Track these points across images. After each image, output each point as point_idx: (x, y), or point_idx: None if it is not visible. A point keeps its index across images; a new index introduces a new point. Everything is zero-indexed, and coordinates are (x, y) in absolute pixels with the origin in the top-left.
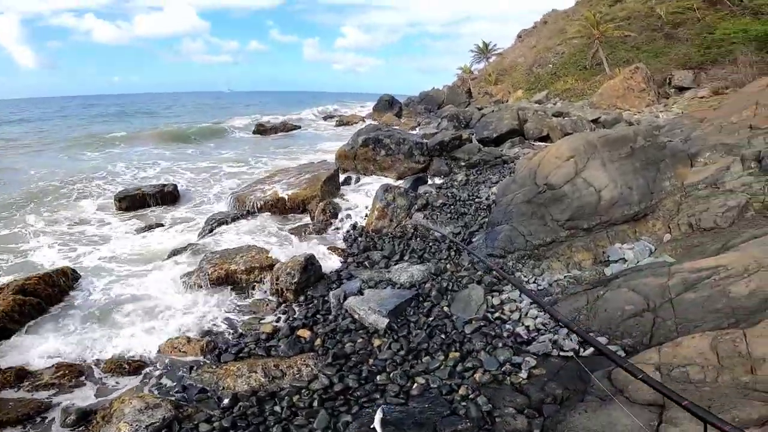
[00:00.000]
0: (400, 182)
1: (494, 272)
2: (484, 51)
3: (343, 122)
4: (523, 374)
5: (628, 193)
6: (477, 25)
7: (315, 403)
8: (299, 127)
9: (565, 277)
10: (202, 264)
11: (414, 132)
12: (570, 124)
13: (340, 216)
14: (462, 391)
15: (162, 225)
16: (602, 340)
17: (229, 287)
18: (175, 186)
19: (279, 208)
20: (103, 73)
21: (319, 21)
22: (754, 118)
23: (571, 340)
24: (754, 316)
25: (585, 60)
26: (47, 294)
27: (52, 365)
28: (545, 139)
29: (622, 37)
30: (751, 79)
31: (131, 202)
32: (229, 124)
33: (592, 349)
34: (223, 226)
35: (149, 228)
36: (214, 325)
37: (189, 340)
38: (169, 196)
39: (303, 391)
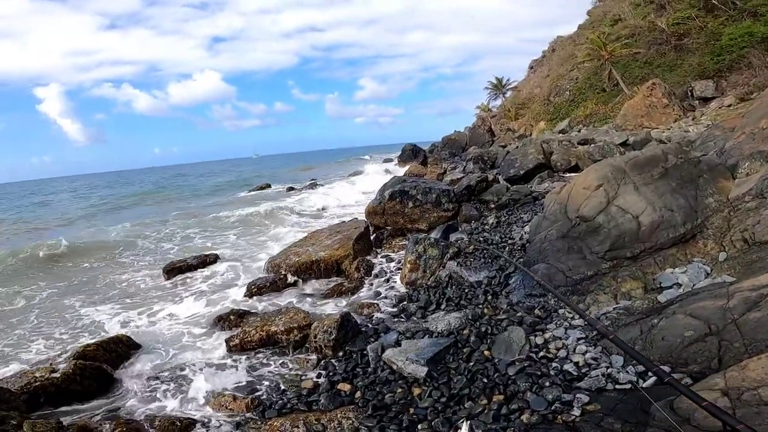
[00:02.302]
0: (432, 233)
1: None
2: (498, 87)
3: (371, 177)
4: (576, 411)
5: (670, 215)
6: (486, 63)
7: None
8: (328, 185)
9: (614, 309)
10: (245, 327)
11: (444, 179)
12: (597, 150)
13: (374, 272)
14: None
15: (207, 293)
16: (665, 368)
17: (271, 347)
18: (217, 255)
19: (314, 270)
20: (147, 145)
21: (336, 76)
22: None
23: (627, 372)
24: None
25: (601, 82)
26: (106, 359)
27: (111, 423)
28: (575, 169)
29: (632, 55)
30: None
31: (178, 272)
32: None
33: (653, 379)
34: (263, 291)
35: (194, 296)
36: (259, 383)
37: (235, 398)
38: (211, 265)
39: None
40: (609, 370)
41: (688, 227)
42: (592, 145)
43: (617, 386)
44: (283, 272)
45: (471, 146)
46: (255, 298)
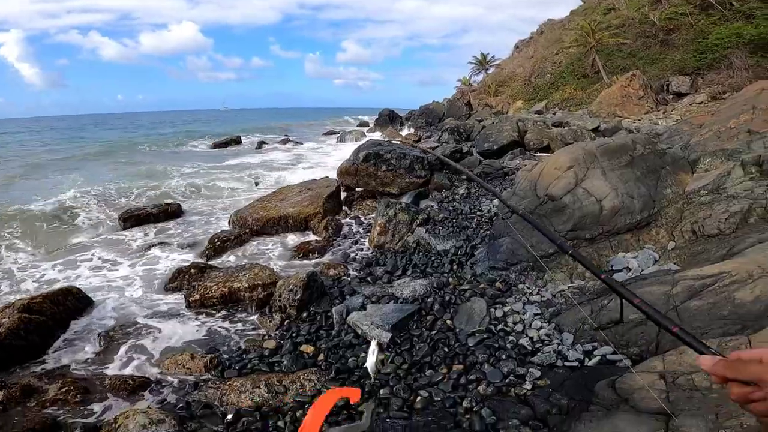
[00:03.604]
0: (402, 198)
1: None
2: (482, 63)
3: (344, 139)
4: (528, 385)
5: (630, 201)
6: (474, 37)
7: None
8: (301, 143)
9: (568, 287)
10: (206, 282)
11: (418, 146)
12: (570, 133)
13: (342, 232)
14: (465, 403)
15: (167, 244)
16: (608, 349)
17: (234, 304)
18: (179, 205)
19: (281, 226)
20: (110, 92)
21: (319, 36)
22: (751, 122)
23: (575, 350)
24: (759, 321)
25: (583, 69)
26: (53, 313)
27: (58, 382)
28: (546, 149)
29: (618, 45)
30: (747, 83)
31: (135, 221)
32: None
33: (597, 359)
34: (227, 245)
35: (153, 248)
36: (218, 342)
37: (193, 356)
38: (172, 215)
39: (306, 406)
40: (560, 347)
41: (645, 215)
42: (566, 128)
43: (566, 363)
44: (249, 226)
45: (448, 117)
46: (218, 252)
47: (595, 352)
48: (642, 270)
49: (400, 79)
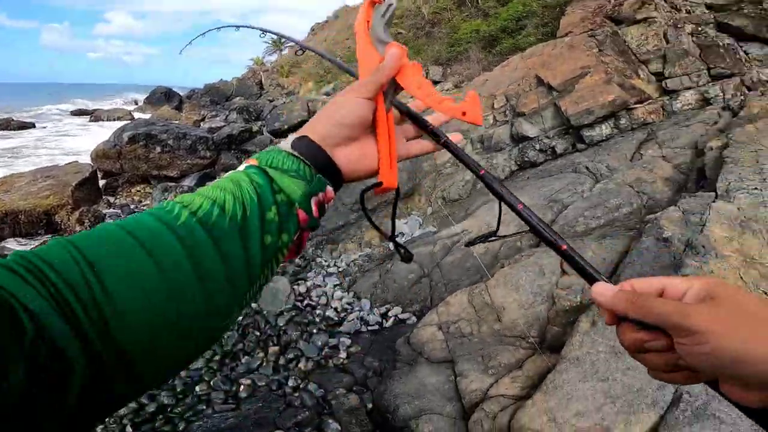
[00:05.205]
0: (185, 180)
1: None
2: (278, 43)
3: (101, 118)
4: (343, 354)
5: (400, 174)
6: (272, 17)
7: (129, 430)
8: (33, 126)
9: (359, 256)
10: None
11: (202, 126)
12: None
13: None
14: (291, 382)
15: None
16: (398, 309)
17: None
18: None
19: (8, 224)
20: None
21: (69, 4)
22: None
23: (374, 314)
24: (490, 270)
25: None
26: None
27: None
28: None
29: (395, 35)
30: (478, 74)
31: None
32: None
33: (392, 319)
34: None
35: None
36: None
37: None
38: None
39: (108, 420)
40: (361, 314)
41: (410, 186)
42: None
43: (369, 328)
44: None
45: (236, 97)
46: None
47: (389, 314)
48: (412, 233)
49: (183, 55)
